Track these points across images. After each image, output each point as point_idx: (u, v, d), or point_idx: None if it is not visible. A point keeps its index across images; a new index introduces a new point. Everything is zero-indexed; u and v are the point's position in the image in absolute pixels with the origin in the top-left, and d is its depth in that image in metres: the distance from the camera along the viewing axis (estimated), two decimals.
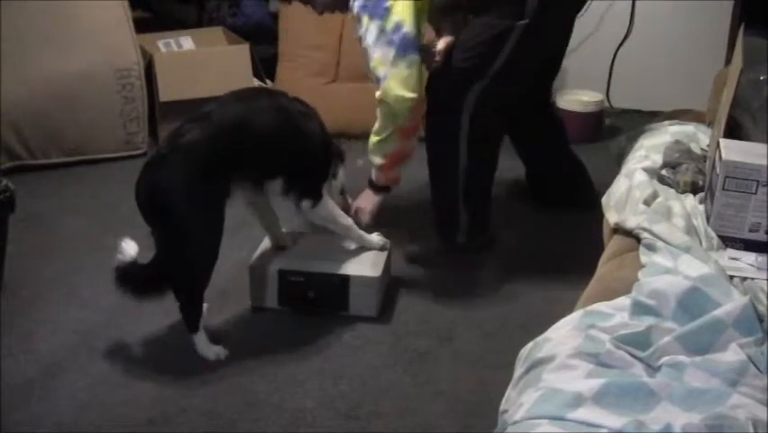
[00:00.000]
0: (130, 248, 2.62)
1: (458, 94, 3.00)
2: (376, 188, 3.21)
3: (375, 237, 3.00)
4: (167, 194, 2.57)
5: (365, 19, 2.90)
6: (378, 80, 2.95)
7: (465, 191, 3.12)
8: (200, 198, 2.59)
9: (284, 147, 2.75)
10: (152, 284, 2.64)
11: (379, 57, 2.90)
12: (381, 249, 2.99)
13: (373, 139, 3.08)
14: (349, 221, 2.97)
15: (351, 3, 2.97)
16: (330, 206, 2.91)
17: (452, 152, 3.07)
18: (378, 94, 2.97)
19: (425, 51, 2.99)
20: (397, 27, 2.87)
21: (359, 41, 2.98)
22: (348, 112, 4.18)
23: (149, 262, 2.63)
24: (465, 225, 3.18)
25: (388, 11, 2.86)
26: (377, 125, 3.05)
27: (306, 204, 2.85)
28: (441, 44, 3.03)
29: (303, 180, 2.84)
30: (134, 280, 2.62)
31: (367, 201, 3.21)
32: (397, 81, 2.90)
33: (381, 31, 2.88)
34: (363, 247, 2.98)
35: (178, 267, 2.62)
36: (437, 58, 3.02)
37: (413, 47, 2.89)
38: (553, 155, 3.60)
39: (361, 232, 2.98)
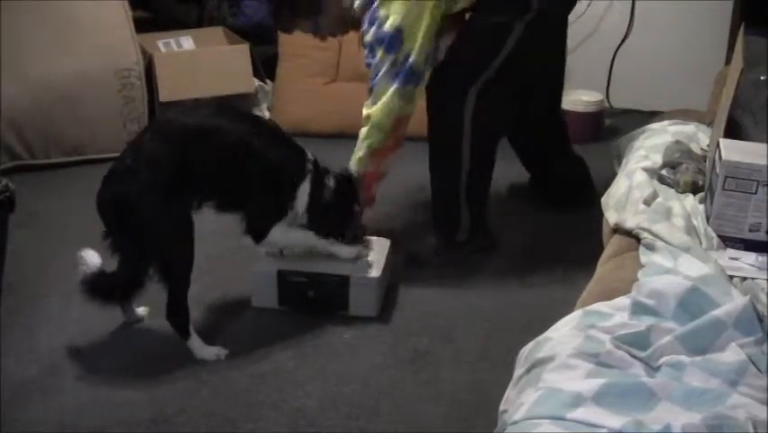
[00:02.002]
0: (92, 258, 2.65)
1: (461, 87, 3.01)
2: None
3: (346, 249, 2.93)
4: (134, 204, 2.57)
5: (380, 52, 2.94)
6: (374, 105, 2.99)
7: (467, 188, 3.12)
8: (167, 205, 2.59)
9: (231, 168, 2.69)
10: (121, 291, 2.68)
11: (385, 86, 2.95)
12: (355, 259, 2.92)
13: (353, 156, 3.08)
14: (311, 241, 2.88)
15: (362, 29, 3.00)
16: (279, 233, 2.83)
17: (454, 146, 3.06)
18: (365, 112, 3.01)
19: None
20: (406, 57, 2.91)
21: (369, 68, 3.01)
22: (348, 112, 4.16)
23: (116, 270, 2.65)
24: (466, 222, 3.18)
25: (401, 43, 2.90)
26: (358, 144, 3.07)
27: (247, 239, 2.82)
28: (443, 43, 3.04)
29: (248, 213, 2.79)
30: (105, 289, 2.64)
31: None
32: (381, 110, 2.97)
33: (393, 64, 2.93)
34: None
35: (156, 277, 2.64)
36: (440, 55, 3.03)
37: (415, 77, 2.95)
38: (556, 155, 3.60)
39: (328, 245, 2.90)
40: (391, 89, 2.95)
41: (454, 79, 3.02)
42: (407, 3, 2.90)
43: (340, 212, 2.93)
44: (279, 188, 2.81)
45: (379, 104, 2.97)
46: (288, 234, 2.86)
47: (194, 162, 2.61)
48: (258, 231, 2.81)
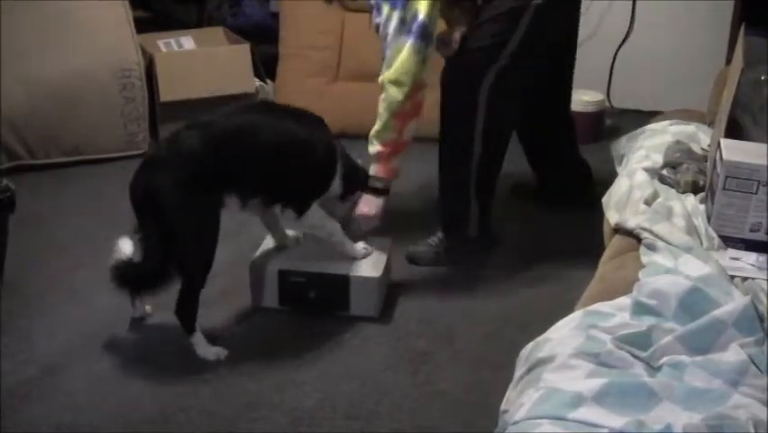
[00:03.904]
0: (126, 247, 2.65)
1: (475, 77, 3.01)
2: (376, 191, 3.09)
3: (358, 246, 2.96)
4: (163, 197, 2.58)
5: (386, 8, 2.93)
6: (390, 67, 2.95)
7: (478, 181, 3.12)
8: (196, 203, 2.61)
9: (281, 166, 2.75)
10: (149, 281, 2.67)
11: (398, 45, 2.92)
12: (364, 257, 2.95)
13: (373, 129, 3.03)
14: (335, 227, 2.92)
15: None
16: (316, 213, 2.88)
17: (466, 138, 3.06)
18: (380, 78, 2.96)
19: (441, 41, 3.03)
20: (414, 16, 2.90)
21: (376, 29, 3.00)
22: (348, 112, 4.18)
23: (142, 260, 2.64)
24: (476, 217, 3.17)
25: (407, 0, 2.89)
26: (378, 114, 3.01)
27: (290, 213, 2.85)
28: (457, 34, 3.04)
29: (294, 195, 2.83)
30: (131, 278, 2.64)
31: (370, 206, 3.08)
32: (400, 67, 2.91)
33: (402, 20, 2.90)
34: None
35: (174, 269, 2.64)
36: (454, 45, 3.03)
37: (426, 35, 2.92)
38: (562, 156, 3.60)
39: (345, 239, 2.93)
40: (407, 46, 2.90)
41: (469, 66, 3.02)
42: None
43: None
44: (321, 166, 2.88)
45: (397, 63, 2.92)
46: (322, 214, 2.89)
47: (235, 163, 2.65)
48: (301, 204, 2.84)
